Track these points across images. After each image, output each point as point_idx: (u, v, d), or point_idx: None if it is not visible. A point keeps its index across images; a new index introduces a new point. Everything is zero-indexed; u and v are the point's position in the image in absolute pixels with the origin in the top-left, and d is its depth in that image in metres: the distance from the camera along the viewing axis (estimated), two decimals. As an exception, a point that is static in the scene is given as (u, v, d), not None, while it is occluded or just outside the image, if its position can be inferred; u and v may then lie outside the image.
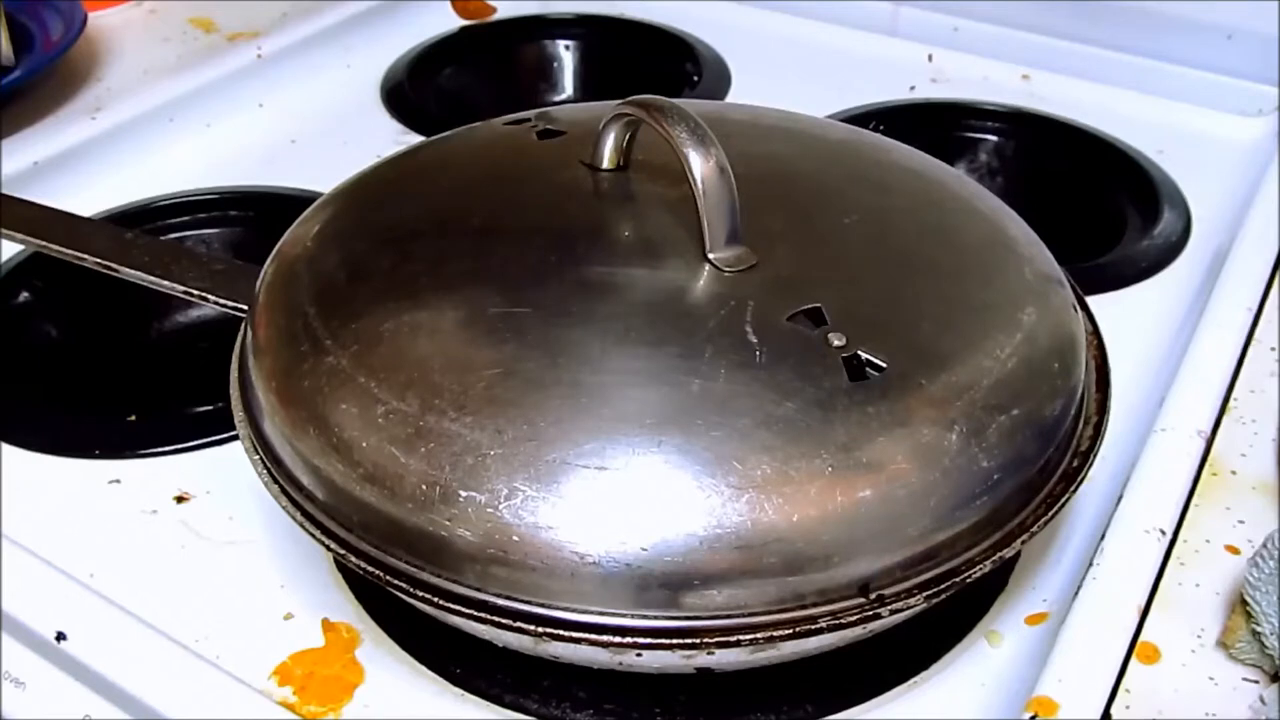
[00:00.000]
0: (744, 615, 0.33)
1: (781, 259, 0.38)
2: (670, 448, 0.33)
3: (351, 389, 0.36)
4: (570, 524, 0.32)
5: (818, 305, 0.36)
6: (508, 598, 0.33)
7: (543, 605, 0.33)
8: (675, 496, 0.32)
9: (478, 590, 0.33)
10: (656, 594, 0.32)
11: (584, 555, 0.32)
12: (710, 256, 0.37)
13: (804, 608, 0.33)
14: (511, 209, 0.41)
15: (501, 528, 0.33)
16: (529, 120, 0.46)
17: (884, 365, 0.35)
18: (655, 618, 0.33)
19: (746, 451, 0.33)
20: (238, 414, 0.40)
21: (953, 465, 0.34)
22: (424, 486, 0.33)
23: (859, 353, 0.35)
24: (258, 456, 0.38)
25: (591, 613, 0.33)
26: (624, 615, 0.33)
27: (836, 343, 0.35)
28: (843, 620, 0.33)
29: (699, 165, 0.37)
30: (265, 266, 0.42)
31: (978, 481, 0.34)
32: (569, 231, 0.40)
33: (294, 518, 0.37)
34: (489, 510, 0.33)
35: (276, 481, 0.38)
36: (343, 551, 0.35)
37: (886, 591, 0.33)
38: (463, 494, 0.33)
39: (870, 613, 0.33)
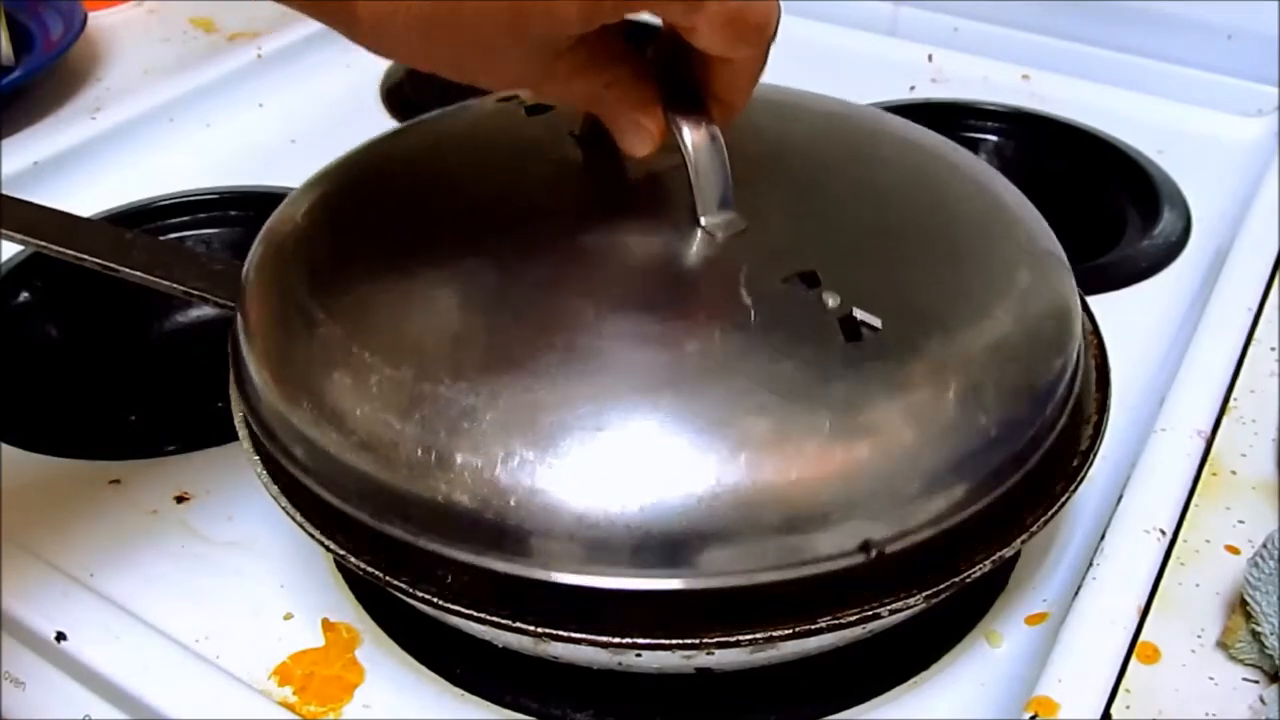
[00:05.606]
0: (744, 575, 0.32)
1: (773, 225, 0.38)
2: (667, 409, 0.33)
3: (345, 360, 0.35)
4: (568, 485, 0.32)
5: (812, 269, 0.36)
6: (508, 560, 0.33)
7: (541, 568, 0.33)
8: (673, 457, 0.32)
9: (476, 556, 0.33)
10: (655, 554, 0.32)
11: (582, 517, 0.32)
12: (702, 222, 0.37)
13: (804, 565, 0.33)
14: (501, 182, 0.41)
15: (499, 491, 0.32)
16: (516, 96, 0.46)
17: (878, 326, 0.35)
18: (654, 578, 0.32)
19: (744, 411, 0.33)
20: (236, 414, 0.40)
21: (951, 422, 0.34)
22: (420, 452, 0.33)
23: (854, 313, 0.35)
24: (257, 457, 0.38)
25: (590, 574, 0.33)
26: (623, 576, 0.32)
27: (831, 304, 0.35)
28: (843, 620, 0.33)
29: (690, 132, 0.36)
30: (254, 247, 0.42)
31: (977, 438, 0.34)
32: (559, 202, 0.40)
33: (294, 518, 0.37)
34: (486, 474, 0.32)
35: (277, 482, 0.38)
36: (342, 553, 0.35)
37: (888, 549, 0.33)
38: (459, 458, 0.33)
39: (870, 613, 0.33)
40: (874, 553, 0.33)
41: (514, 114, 0.45)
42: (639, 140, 0.36)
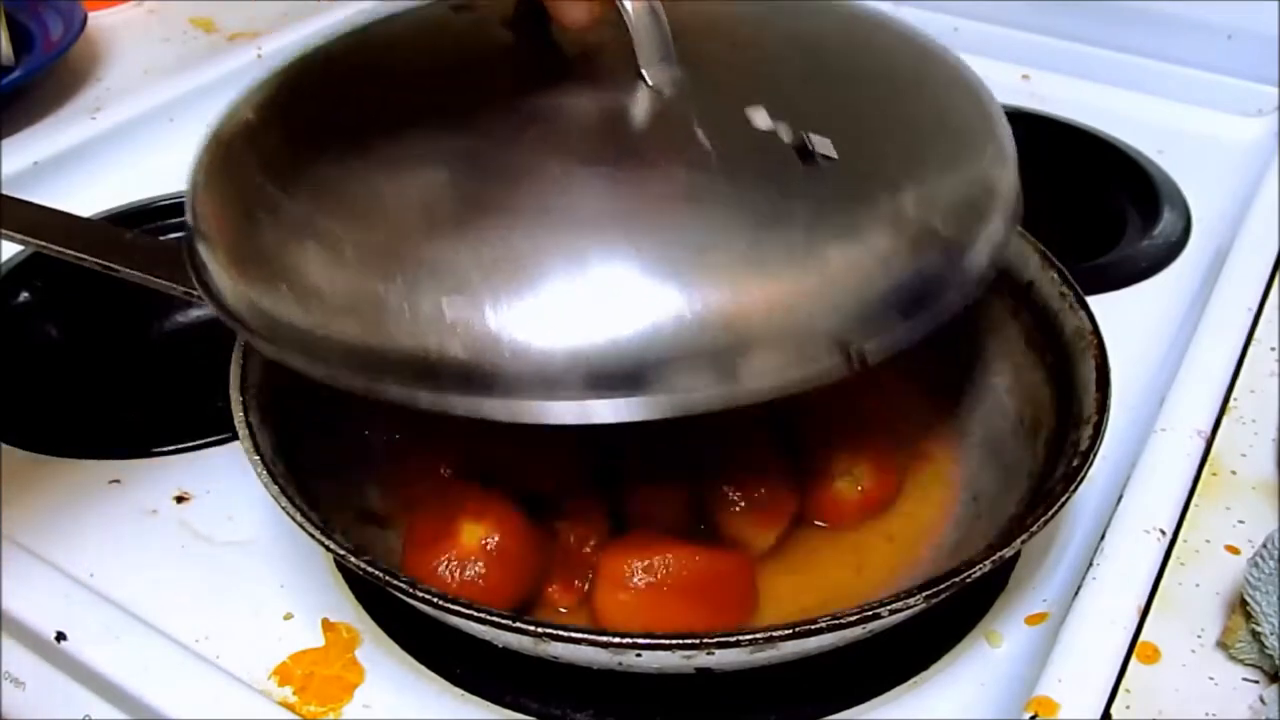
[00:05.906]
0: (741, 391, 0.33)
1: (716, 76, 0.39)
2: (649, 245, 0.33)
3: (317, 234, 0.35)
4: (561, 325, 0.32)
5: (760, 108, 0.37)
6: (508, 401, 0.33)
7: (541, 402, 0.33)
8: (659, 287, 0.33)
9: (474, 403, 0.33)
10: (652, 380, 0.33)
11: (578, 353, 0.32)
12: (647, 79, 0.37)
13: (787, 370, 0.34)
14: (447, 66, 0.41)
15: (492, 338, 0.32)
16: None
17: (834, 155, 0.36)
18: (659, 401, 0.33)
19: (723, 237, 0.34)
20: (235, 398, 0.40)
21: (911, 232, 0.35)
22: (408, 309, 0.33)
23: (807, 141, 0.36)
24: (257, 457, 0.38)
25: (591, 403, 0.33)
26: (619, 402, 0.33)
27: (786, 137, 0.36)
28: (842, 620, 0.33)
29: None
30: (196, 155, 0.41)
31: (935, 245, 0.36)
32: (504, 78, 0.40)
33: (294, 518, 0.37)
34: (476, 324, 0.33)
35: (276, 482, 0.38)
36: (342, 553, 0.35)
37: (867, 350, 0.34)
38: (449, 311, 0.33)
39: (870, 613, 0.33)
40: (856, 359, 0.34)
41: (441, 12, 0.45)
42: (576, 9, 0.37)
